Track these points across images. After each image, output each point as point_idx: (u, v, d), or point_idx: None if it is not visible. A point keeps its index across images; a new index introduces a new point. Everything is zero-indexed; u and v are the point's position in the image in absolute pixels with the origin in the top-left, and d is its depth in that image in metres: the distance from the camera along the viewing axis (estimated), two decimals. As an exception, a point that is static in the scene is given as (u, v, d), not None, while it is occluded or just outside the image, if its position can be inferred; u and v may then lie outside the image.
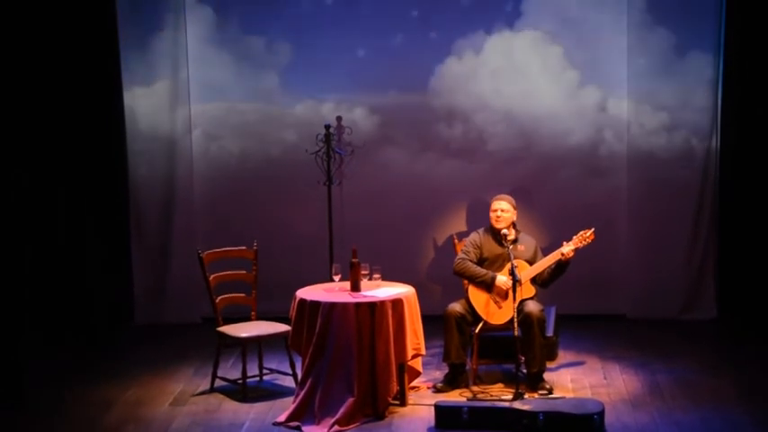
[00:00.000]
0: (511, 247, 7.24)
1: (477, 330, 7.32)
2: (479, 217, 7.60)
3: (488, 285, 7.28)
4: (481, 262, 7.41)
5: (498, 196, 7.47)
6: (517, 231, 7.43)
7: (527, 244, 7.43)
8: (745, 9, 8.84)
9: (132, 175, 9.32)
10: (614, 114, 9.21)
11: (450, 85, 9.33)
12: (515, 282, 6.94)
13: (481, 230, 7.53)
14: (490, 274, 7.29)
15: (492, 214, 7.41)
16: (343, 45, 9.24)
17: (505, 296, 7.24)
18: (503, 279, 7.24)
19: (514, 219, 7.43)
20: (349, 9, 9.25)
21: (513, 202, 7.45)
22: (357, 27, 9.24)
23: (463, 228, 9.08)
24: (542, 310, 7.24)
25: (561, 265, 7.29)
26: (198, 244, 8.56)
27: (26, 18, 8.92)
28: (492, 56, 9.30)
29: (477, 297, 7.31)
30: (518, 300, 7.01)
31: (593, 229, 7.35)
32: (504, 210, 7.38)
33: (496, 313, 7.28)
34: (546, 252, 7.47)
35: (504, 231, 7.29)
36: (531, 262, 7.37)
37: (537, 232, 8.47)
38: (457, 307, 7.28)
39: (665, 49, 9.01)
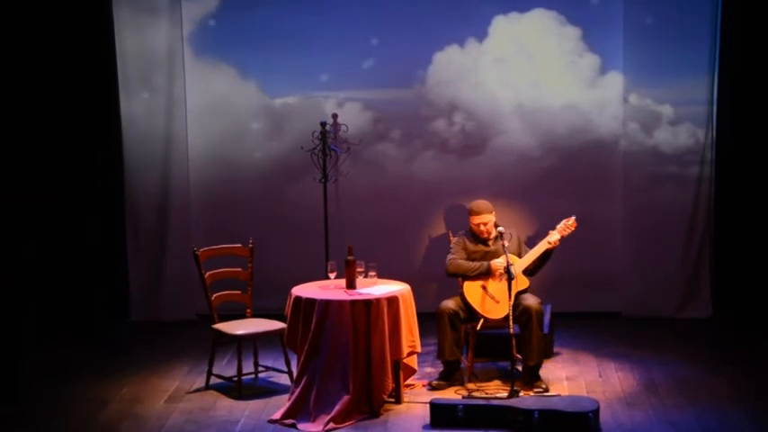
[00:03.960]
0: (506, 243, 7.23)
1: (478, 327, 7.32)
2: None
3: (486, 273, 7.28)
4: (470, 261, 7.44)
5: (477, 207, 7.42)
6: (498, 231, 7.40)
7: (509, 238, 7.44)
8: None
9: (128, 173, 9.30)
10: (632, 104, 8.87)
11: (451, 77, 9.03)
12: (510, 279, 6.95)
13: (461, 233, 7.56)
14: (485, 263, 7.30)
15: (475, 228, 7.43)
16: (337, 35, 9.02)
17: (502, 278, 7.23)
18: (497, 261, 7.24)
19: (494, 219, 7.46)
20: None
21: (491, 205, 7.45)
22: (350, 15, 8.99)
23: (459, 226, 9.04)
24: (541, 304, 7.25)
25: (547, 254, 7.35)
26: (193, 241, 8.55)
27: (24, 22, 8.95)
28: (497, 41, 8.91)
29: (473, 294, 7.31)
30: (514, 291, 7.04)
31: (574, 217, 7.37)
32: (485, 223, 7.39)
33: (494, 308, 7.28)
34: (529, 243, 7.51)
35: (501, 229, 7.30)
36: (517, 253, 7.40)
37: (535, 230, 8.46)
38: (450, 304, 7.28)
39: (663, 40, 8.79)
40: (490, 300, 7.29)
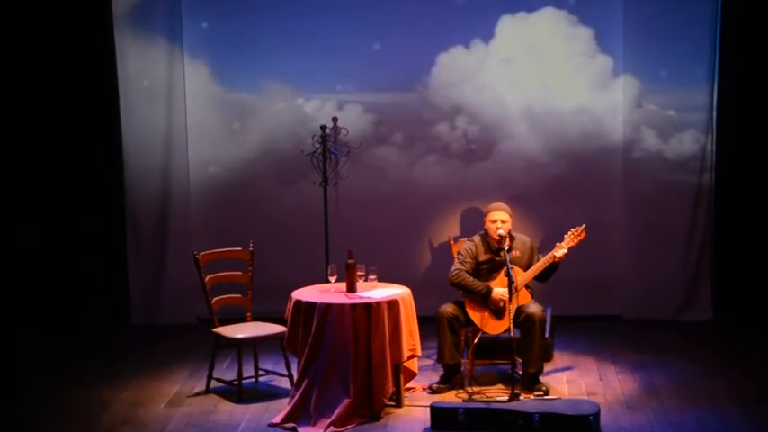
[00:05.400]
0: (506, 246, 7.22)
1: (475, 341, 7.32)
2: (477, 221, 7.58)
3: (485, 297, 7.26)
4: (477, 271, 7.39)
5: (496, 205, 7.39)
6: (512, 238, 7.40)
7: (522, 248, 7.41)
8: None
9: (128, 176, 9.31)
10: (647, 109, 8.70)
11: (455, 79, 8.86)
12: (511, 284, 6.93)
13: (476, 238, 7.48)
14: (487, 287, 7.27)
15: (491, 225, 7.35)
16: (339, 36, 8.95)
17: (502, 308, 7.21)
18: (499, 291, 7.20)
19: (510, 227, 7.42)
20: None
21: (509, 209, 7.41)
22: (352, 15, 8.90)
23: (460, 231, 9.06)
24: (543, 311, 7.24)
25: (555, 265, 7.30)
26: (194, 245, 8.55)
27: (25, 25, 8.97)
28: (504, 42, 8.69)
29: (474, 308, 7.29)
30: (515, 306, 7.02)
31: (584, 226, 7.34)
32: (503, 221, 7.32)
33: (495, 324, 7.26)
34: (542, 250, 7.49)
35: (501, 232, 7.28)
36: (528, 264, 7.36)
37: (538, 237, 8.45)
38: (449, 308, 7.27)
39: (665, 43, 8.71)
40: (490, 313, 7.25)
